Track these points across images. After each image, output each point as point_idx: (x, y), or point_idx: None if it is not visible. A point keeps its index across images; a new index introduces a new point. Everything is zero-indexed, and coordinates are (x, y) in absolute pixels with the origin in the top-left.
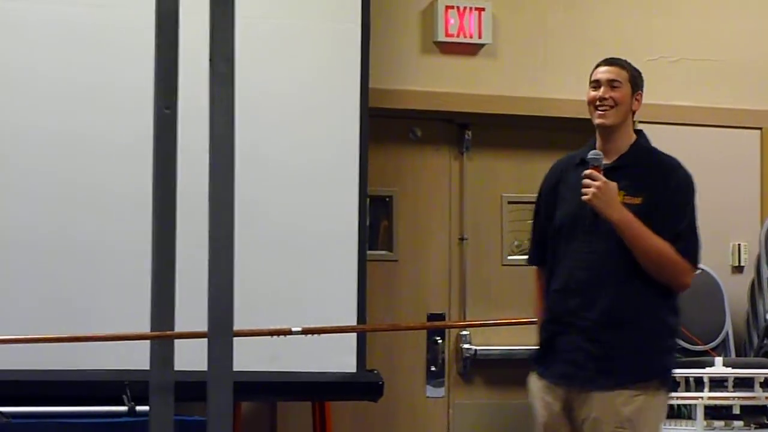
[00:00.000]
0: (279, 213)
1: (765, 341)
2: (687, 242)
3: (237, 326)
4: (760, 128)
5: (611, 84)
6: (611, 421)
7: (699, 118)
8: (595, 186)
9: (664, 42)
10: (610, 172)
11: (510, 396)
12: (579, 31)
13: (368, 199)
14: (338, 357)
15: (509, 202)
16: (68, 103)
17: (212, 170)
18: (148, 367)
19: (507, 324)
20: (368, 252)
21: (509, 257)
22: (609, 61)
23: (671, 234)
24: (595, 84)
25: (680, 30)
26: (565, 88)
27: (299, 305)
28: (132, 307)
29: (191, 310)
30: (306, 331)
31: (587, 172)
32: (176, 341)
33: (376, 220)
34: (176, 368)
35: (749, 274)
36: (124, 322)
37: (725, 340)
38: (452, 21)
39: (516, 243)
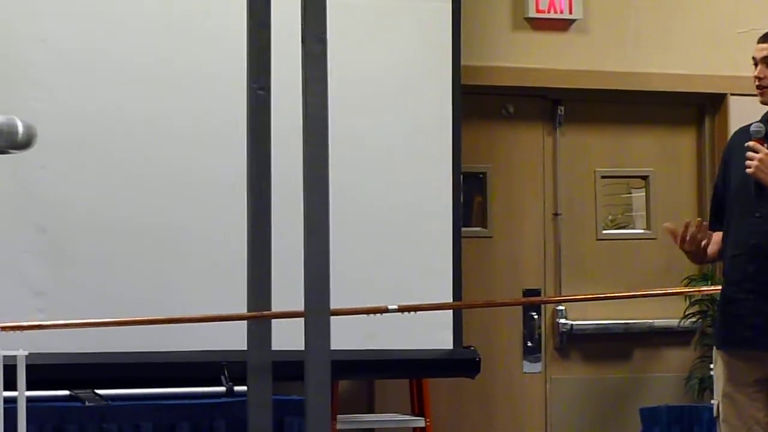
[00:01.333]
0: (373, 192)
1: None
2: None
3: (333, 305)
4: None
5: (767, 62)
6: None
7: None
8: (758, 158)
9: (753, 14)
10: None
11: (606, 370)
12: (668, 4)
13: (462, 176)
14: (435, 334)
15: (602, 177)
16: (161, 89)
17: (306, 151)
18: (245, 348)
19: (602, 299)
20: (463, 229)
21: (604, 231)
22: (765, 37)
23: None
24: (755, 62)
25: None
26: (655, 61)
27: (395, 283)
28: (229, 289)
29: (287, 290)
30: (402, 309)
31: (750, 144)
32: (273, 321)
33: (470, 196)
34: (273, 348)
35: None
36: (221, 303)
37: None
38: None
39: (610, 217)
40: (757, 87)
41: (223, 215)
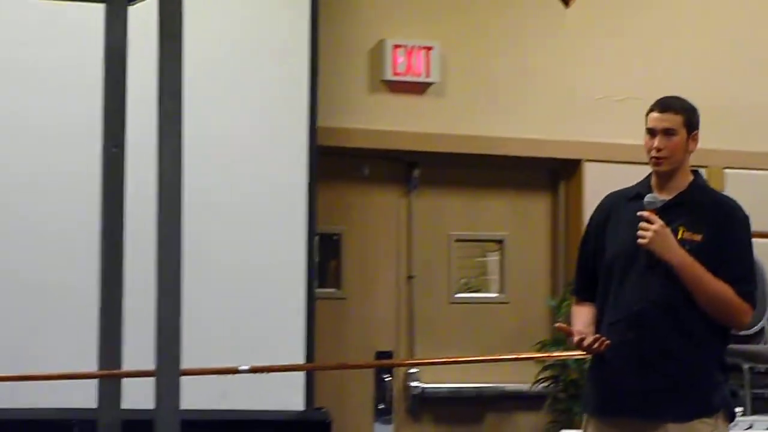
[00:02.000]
0: (227, 251)
1: None
2: (747, 284)
3: (185, 364)
4: (705, 167)
5: (666, 133)
6: None
7: (645, 156)
8: (653, 230)
9: (610, 81)
10: (670, 208)
11: None
12: (525, 70)
13: (317, 237)
14: (287, 395)
15: (457, 240)
16: (18, 141)
17: (160, 207)
18: (95, 406)
19: (455, 362)
20: (317, 290)
21: (457, 295)
22: (663, 107)
23: (731, 275)
24: (650, 132)
25: (626, 69)
26: (510, 126)
27: (248, 343)
28: (79, 346)
29: (139, 348)
30: (254, 370)
31: (644, 214)
32: (125, 380)
33: (325, 257)
34: (124, 407)
35: None
36: (71, 360)
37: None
38: (400, 60)
39: (464, 281)
40: (655, 158)
41: (78, 270)
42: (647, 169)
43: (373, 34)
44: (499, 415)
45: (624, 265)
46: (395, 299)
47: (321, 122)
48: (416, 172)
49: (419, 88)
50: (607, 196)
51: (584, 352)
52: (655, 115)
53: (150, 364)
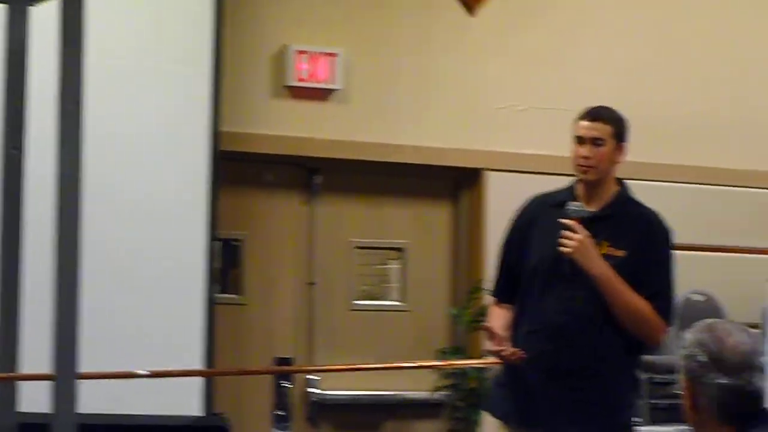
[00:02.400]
0: (126, 255)
1: None
2: (665, 300)
3: (83, 368)
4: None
5: (594, 142)
6: None
7: (547, 167)
8: (577, 239)
9: (512, 91)
10: (595, 221)
11: None
12: (429, 77)
13: (218, 242)
14: (185, 400)
15: (357, 247)
16: None
17: (59, 210)
18: None
19: (354, 369)
20: (217, 295)
21: (357, 302)
22: (593, 116)
23: (650, 291)
24: (579, 140)
25: (528, 79)
26: (414, 134)
27: (146, 348)
28: None
29: (36, 351)
30: (152, 374)
31: (569, 223)
32: (22, 383)
33: (226, 263)
34: (21, 410)
35: None
36: None
37: None
38: (304, 66)
39: (364, 288)
40: (582, 166)
41: None
42: (550, 180)
43: (276, 39)
44: (398, 423)
45: (547, 274)
46: (296, 306)
47: (223, 127)
48: (318, 179)
49: (322, 95)
50: (531, 201)
51: (499, 360)
52: (584, 123)
53: (47, 368)
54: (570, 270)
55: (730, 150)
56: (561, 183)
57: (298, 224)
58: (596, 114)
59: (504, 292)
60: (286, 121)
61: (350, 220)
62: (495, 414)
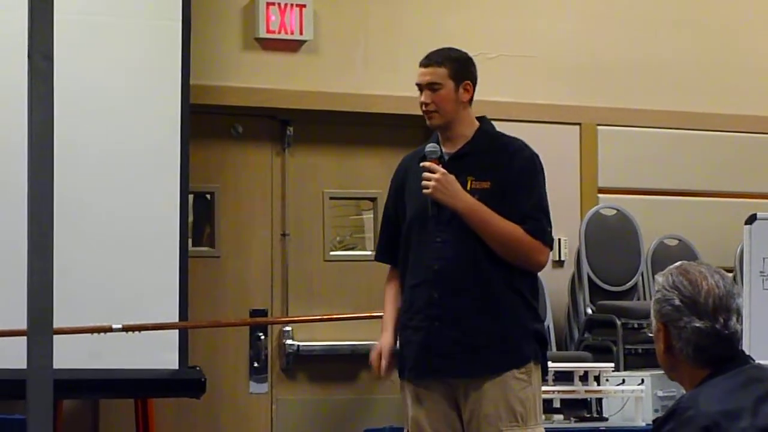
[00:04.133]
0: (99, 210)
1: (585, 335)
2: (536, 221)
3: (57, 323)
4: (579, 124)
5: (431, 87)
6: (502, 410)
7: (518, 114)
8: (435, 179)
9: (482, 38)
10: (456, 160)
11: (333, 392)
12: (398, 27)
13: (190, 196)
14: (160, 354)
15: (331, 198)
16: None
17: (31, 167)
18: None
19: (329, 320)
20: (190, 248)
21: (331, 253)
22: (426, 62)
23: (520, 215)
24: (418, 87)
25: (498, 26)
26: (385, 84)
27: (120, 301)
28: None
29: (11, 306)
30: (126, 328)
31: (426, 164)
32: None
33: (199, 216)
34: None
35: (569, 269)
36: None
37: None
38: (273, 17)
39: (338, 239)
40: (425, 113)
41: None
42: (518, 126)
43: None
44: (373, 373)
45: (419, 224)
46: (269, 258)
47: (194, 80)
48: (290, 130)
49: (293, 46)
50: (403, 158)
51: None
52: (419, 69)
53: (22, 324)
54: (436, 212)
55: (702, 93)
56: (531, 130)
57: (270, 176)
58: (428, 59)
59: (385, 253)
60: (257, 73)
61: (323, 170)
62: (401, 375)
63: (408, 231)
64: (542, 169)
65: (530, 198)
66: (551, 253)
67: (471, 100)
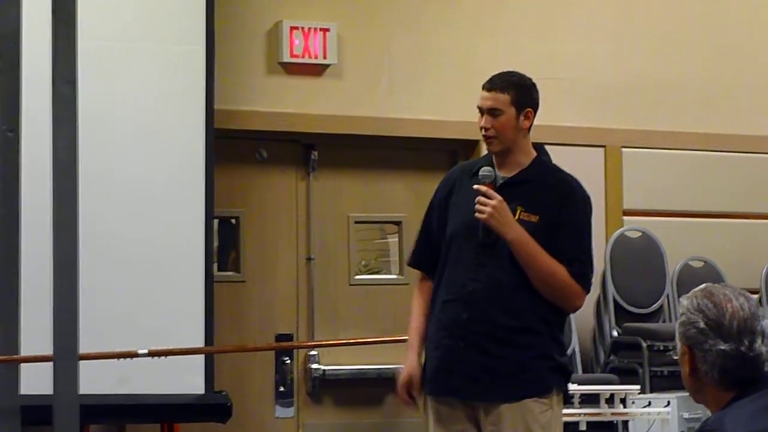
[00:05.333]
0: (125, 236)
1: (611, 357)
2: (581, 266)
3: (83, 349)
4: (603, 146)
5: (492, 113)
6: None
7: (543, 137)
8: (491, 205)
9: (507, 61)
10: (509, 186)
11: (359, 416)
12: (423, 51)
13: (215, 221)
14: (186, 378)
15: (356, 222)
16: None
17: (56, 192)
18: None
19: (355, 344)
20: (216, 273)
21: (356, 277)
22: (489, 86)
23: (566, 256)
24: (479, 110)
25: (524, 49)
26: (408, 108)
27: (147, 327)
28: None
29: (37, 333)
30: (153, 353)
31: (482, 188)
32: (23, 365)
33: (224, 241)
34: (22, 392)
35: (595, 291)
36: None
37: (572, 357)
38: (297, 42)
39: (363, 262)
40: (484, 137)
41: None
42: (548, 150)
43: (269, 15)
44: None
45: (461, 241)
46: (295, 282)
47: (218, 105)
48: (314, 154)
49: (316, 70)
50: (454, 169)
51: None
52: (482, 93)
53: (48, 349)
54: (485, 236)
55: (726, 115)
56: (556, 153)
57: (295, 200)
58: (491, 83)
59: (421, 259)
60: (281, 98)
61: (348, 194)
62: (424, 389)
63: (448, 245)
64: (591, 211)
65: (581, 242)
66: None
67: (530, 127)
